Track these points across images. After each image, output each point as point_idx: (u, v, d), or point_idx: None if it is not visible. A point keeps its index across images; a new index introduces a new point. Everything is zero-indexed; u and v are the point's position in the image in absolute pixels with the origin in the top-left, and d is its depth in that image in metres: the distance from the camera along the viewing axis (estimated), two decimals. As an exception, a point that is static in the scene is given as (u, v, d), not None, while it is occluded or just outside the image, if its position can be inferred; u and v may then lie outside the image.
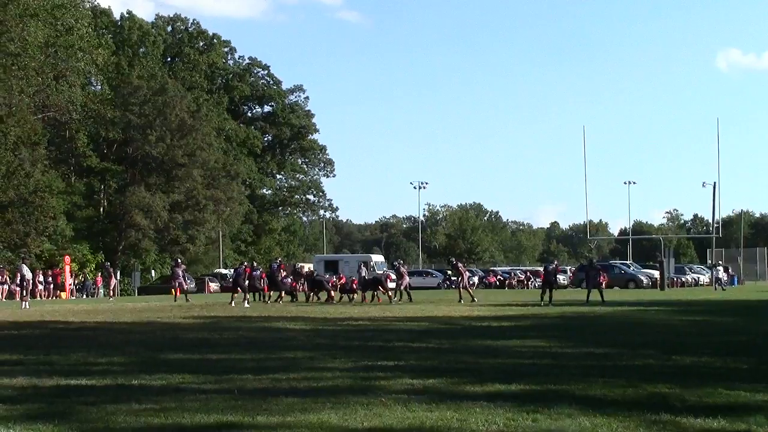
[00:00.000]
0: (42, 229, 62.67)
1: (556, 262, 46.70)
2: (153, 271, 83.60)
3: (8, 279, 59.18)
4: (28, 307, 37.80)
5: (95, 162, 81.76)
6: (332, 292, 42.67)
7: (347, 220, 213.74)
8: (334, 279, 48.23)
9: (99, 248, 79.56)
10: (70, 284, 65.61)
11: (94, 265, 74.58)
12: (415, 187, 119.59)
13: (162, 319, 26.71)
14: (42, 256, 67.92)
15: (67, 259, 66.43)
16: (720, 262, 73.91)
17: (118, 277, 75.47)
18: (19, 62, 63.11)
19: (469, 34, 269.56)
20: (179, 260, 49.63)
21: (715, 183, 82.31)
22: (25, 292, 41.69)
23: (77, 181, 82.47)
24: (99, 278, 70.92)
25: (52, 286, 63.04)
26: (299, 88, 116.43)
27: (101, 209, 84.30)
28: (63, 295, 62.61)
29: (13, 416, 9.10)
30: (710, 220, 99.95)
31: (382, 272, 44.88)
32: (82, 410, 9.43)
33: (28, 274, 43.85)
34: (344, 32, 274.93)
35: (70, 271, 66.49)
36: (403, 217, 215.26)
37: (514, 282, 79.93)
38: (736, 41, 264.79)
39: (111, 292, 62.46)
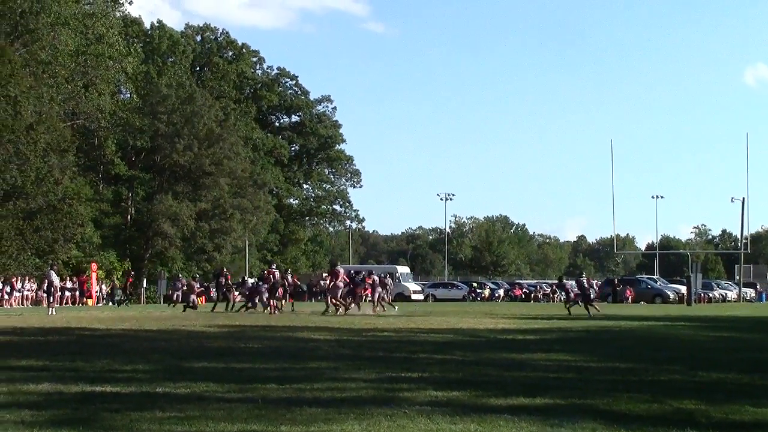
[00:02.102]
0: (70, 236, 62.84)
1: (585, 276, 46.60)
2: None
3: (35, 285, 59.58)
4: (54, 313, 37.97)
5: (123, 170, 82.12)
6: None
7: (373, 230, 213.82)
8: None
9: (126, 256, 79.87)
10: (97, 291, 65.84)
11: (120, 273, 74.85)
12: (441, 199, 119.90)
13: (187, 327, 26.77)
14: (69, 263, 68.20)
15: (94, 266, 66.69)
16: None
17: (144, 285, 75.87)
18: (49, 70, 63.56)
19: (496, 46, 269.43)
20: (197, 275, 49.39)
21: (743, 198, 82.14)
22: (52, 298, 41.88)
23: (105, 189, 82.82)
24: (126, 286, 71.26)
25: (77, 293, 63.32)
26: (327, 99, 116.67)
27: (128, 217, 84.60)
28: (89, 302, 62.86)
29: (38, 422, 9.14)
30: (738, 236, 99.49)
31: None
32: (107, 417, 9.46)
33: (57, 281, 44.08)
34: (371, 43, 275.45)
35: (97, 279, 66.73)
36: (430, 229, 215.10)
37: (539, 295, 79.76)
38: (765, 57, 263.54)
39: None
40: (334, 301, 39.71)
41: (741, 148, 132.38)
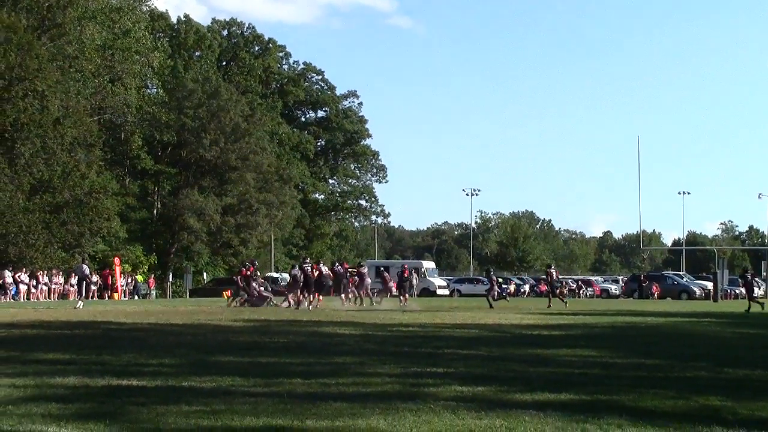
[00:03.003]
0: (96, 229, 63.15)
1: (553, 268, 47.36)
2: (205, 274, 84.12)
3: (62, 279, 59.85)
4: (81, 306, 38.12)
5: (149, 164, 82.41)
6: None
7: (399, 226, 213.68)
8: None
9: (152, 250, 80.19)
10: (122, 285, 66.07)
11: (146, 267, 75.16)
12: (467, 194, 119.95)
13: (212, 321, 26.83)
14: (96, 256, 68.51)
15: (117, 260, 66.87)
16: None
17: (171, 279, 76.15)
18: (76, 64, 63.89)
19: (522, 41, 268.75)
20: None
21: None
22: (85, 292, 42.16)
23: (131, 183, 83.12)
24: (152, 280, 71.57)
25: (102, 286, 63.60)
26: (353, 94, 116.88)
27: (155, 211, 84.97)
28: (115, 296, 63.10)
29: (64, 415, 9.18)
30: (765, 232, 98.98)
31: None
32: (133, 410, 9.50)
33: (88, 275, 44.39)
34: (397, 38, 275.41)
35: (121, 273, 66.97)
36: (455, 224, 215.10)
37: (565, 291, 79.53)
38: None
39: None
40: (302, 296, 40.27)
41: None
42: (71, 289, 59.76)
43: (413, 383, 11.91)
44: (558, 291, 45.24)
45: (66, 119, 59.41)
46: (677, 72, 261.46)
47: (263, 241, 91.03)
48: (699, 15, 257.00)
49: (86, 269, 43.00)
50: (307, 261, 42.10)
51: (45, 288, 57.46)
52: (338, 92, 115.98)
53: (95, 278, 62.10)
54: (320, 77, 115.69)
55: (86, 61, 64.35)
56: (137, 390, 11.10)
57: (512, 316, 31.63)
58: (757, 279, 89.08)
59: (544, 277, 51.78)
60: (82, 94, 64.27)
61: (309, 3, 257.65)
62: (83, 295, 42.13)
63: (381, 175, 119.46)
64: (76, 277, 45.35)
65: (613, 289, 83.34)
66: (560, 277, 46.87)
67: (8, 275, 53.56)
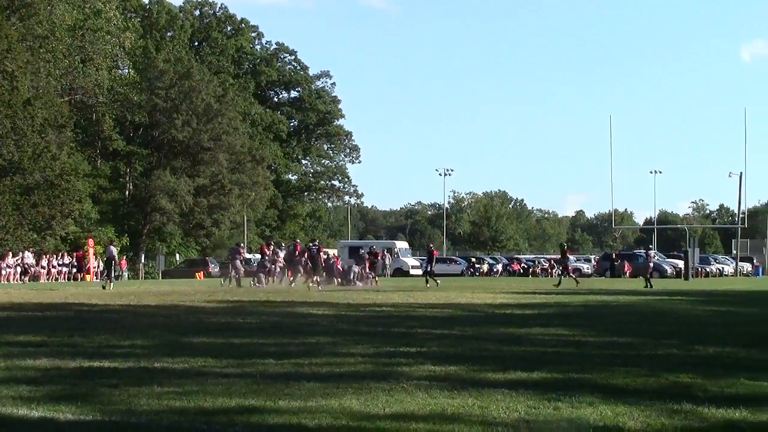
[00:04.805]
0: (68, 211, 62.84)
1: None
2: (177, 255, 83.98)
3: (34, 262, 59.60)
4: (112, 288, 38.67)
5: (121, 145, 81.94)
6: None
7: (372, 206, 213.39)
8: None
9: (124, 231, 79.87)
10: (94, 267, 65.87)
11: (119, 248, 74.92)
12: (440, 174, 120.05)
13: (185, 302, 26.81)
14: (67, 238, 68.22)
15: (91, 242, 66.65)
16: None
17: (143, 260, 75.98)
18: (46, 45, 63.40)
19: (495, 22, 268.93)
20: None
21: (741, 173, 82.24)
22: (114, 273, 42.59)
23: (103, 164, 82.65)
24: (124, 261, 71.32)
25: (75, 268, 63.39)
26: (326, 74, 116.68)
27: (126, 192, 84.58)
28: (87, 277, 62.90)
29: (35, 397, 9.15)
30: (736, 211, 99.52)
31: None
32: (105, 392, 9.47)
33: (116, 256, 44.89)
34: (371, 18, 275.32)
35: (94, 254, 66.73)
36: (428, 204, 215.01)
37: (538, 270, 79.85)
38: (760, 33, 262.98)
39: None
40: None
41: (738, 124, 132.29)
42: (42, 271, 59.55)
43: (386, 363, 11.93)
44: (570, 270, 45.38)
45: (36, 100, 59.04)
46: (649, 51, 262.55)
47: (236, 221, 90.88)
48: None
49: (114, 251, 43.45)
50: (316, 243, 43.07)
51: (10, 271, 57.10)
52: (311, 73, 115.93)
53: (66, 260, 62.00)
54: (293, 57, 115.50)
55: (57, 42, 63.88)
56: (109, 372, 11.08)
57: (485, 296, 31.72)
58: (727, 257, 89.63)
59: (559, 257, 51.54)
60: (53, 74, 63.84)
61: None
62: (112, 276, 42.63)
63: (354, 155, 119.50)
64: (105, 258, 45.91)
65: (586, 268, 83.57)
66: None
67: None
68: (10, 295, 32.96)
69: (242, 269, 44.91)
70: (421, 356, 12.65)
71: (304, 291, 36.42)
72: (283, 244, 45.81)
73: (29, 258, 59.00)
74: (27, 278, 57.43)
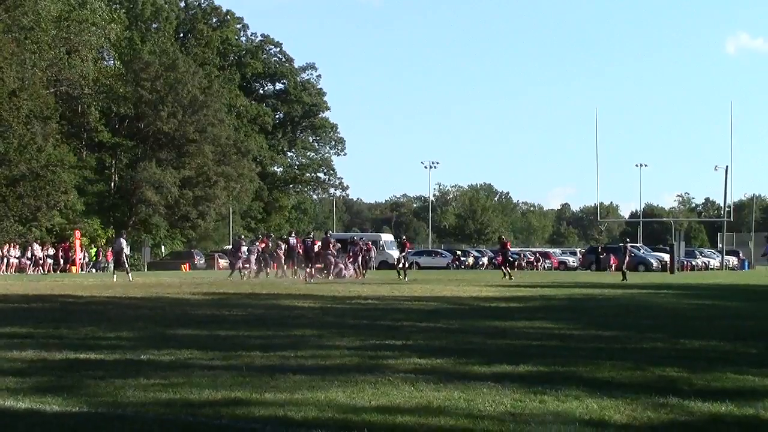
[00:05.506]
0: (53, 203, 62.77)
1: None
2: (163, 247, 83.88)
3: (19, 252, 59.41)
4: (131, 279, 39.60)
5: (107, 137, 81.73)
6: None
7: (358, 198, 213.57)
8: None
9: (109, 223, 79.72)
10: (80, 259, 65.74)
11: (104, 240, 74.69)
12: (426, 167, 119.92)
13: (171, 294, 26.79)
14: (53, 230, 68.06)
15: (78, 233, 66.53)
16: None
17: (128, 252, 75.88)
18: (32, 36, 63.21)
19: (481, 14, 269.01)
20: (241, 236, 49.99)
21: (727, 167, 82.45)
22: (126, 265, 42.72)
23: (89, 156, 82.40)
24: (109, 253, 71.15)
25: (61, 260, 63.23)
26: (311, 66, 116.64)
27: (112, 184, 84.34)
28: (73, 269, 62.77)
29: (22, 389, 9.14)
30: (722, 204, 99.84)
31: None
32: (91, 384, 9.46)
33: (126, 249, 45.04)
34: (356, 10, 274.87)
35: (80, 246, 66.60)
36: (414, 197, 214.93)
37: (523, 263, 79.92)
38: (745, 26, 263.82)
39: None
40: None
41: (724, 117, 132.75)
42: (27, 262, 59.38)
43: (372, 356, 11.94)
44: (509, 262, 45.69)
45: (22, 91, 58.89)
46: (634, 44, 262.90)
47: (221, 213, 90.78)
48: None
49: (124, 243, 43.63)
50: (311, 235, 43.54)
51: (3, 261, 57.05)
52: (296, 65, 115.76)
53: (51, 251, 61.83)
54: (278, 49, 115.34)
55: (42, 33, 63.69)
56: (95, 363, 11.07)
57: (471, 289, 31.76)
58: (713, 251, 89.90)
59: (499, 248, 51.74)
60: (38, 66, 63.65)
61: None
62: (123, 267, 42.93)
63: (339, 147, 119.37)
64: (113, 250, 45.99)
65: (571, 261, 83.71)
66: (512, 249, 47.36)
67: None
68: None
69: (253, 260, 45.80)
70: (407, 349, 12.66)
71: (317, 284, 36.41)
72: (291, 237, 46.08)
73: (15, 250, 58.84)
74: (12, 270, 57.25)
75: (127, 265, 43.20)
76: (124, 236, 46.61)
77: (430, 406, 8.33)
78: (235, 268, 46.06)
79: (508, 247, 49.10)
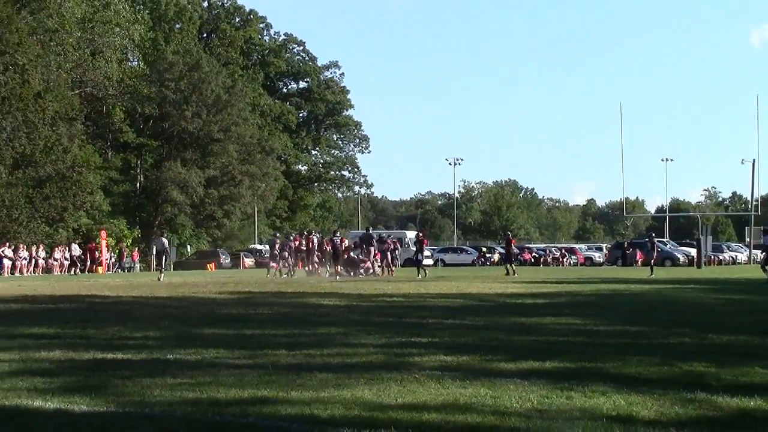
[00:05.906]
0: (79, 204, 63.06)
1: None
2: (189, 247, 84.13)
3: (45, 253, 59.64)
4: (162, 279, 39.39)
5: (131, 137, 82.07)
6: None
7: (382, 196, 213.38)
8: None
9: (135, 223, 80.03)
10: (107, 259, 66.03)
11: (130, 240, 74.97)
12: (450, 164, 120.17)
13: (197, 294, 26.85)
14: (79, 230, 68.36)
15: (104, 233, 66.82)
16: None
17: (154, 252, 76.14)
18: (56, 38, 63.50)
19: (504, 10, 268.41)
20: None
21: (754, 160, 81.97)
22: (165, 265, 43.36)
23: (114, 157, 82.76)
24: (135, 253, 71.42)
25: (88, 260, 63.48)
26: (334, 64, 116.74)
27: (137, 184, 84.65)
28: (100, 269, 63.02)
29: (50, 389, 9.18)
30: (749, 198, 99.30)
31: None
32: (118, 384, 9.50)
33: (169, 248, 45.46)
34: (380, 8, 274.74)
35: (107, 246, 66.88)
36: (438, 194, 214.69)
37: (549, 259, 79.78)
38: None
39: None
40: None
41: (750, 110, 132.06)
42: (54, 263, 59.63)
43: (398, 353, 11.93)
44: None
45: (47, 93, 59.18)
46: (660, 38, 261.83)
47: (247, 212, 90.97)
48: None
49: (166, 242, 44.27)
50: (337, 234, 43.58)
51: (25, 262, 57.21)
52: (319, 63, 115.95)
53: (77, 252, 62.06)
54: (301, 48, 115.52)
55: (66, 35, 63.99)
56: (122, 363, 11.11)
57: (496, 285, 31.71)
58: (740, 245, 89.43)
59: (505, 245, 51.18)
60: (63, 67, 63.94)
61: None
62: (162, 267, 43.34)
63: (363, 145, 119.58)
64: (155, 250, 46.20)
65: (597, 256, 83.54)
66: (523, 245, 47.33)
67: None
68: (23, 287, 33.02)
69: (290, 259, 45.90)
70: (433, 346, 12.65)
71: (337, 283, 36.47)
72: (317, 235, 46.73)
73: (42, 251, 59.09)
74: (39, 271, 57.49)
75: (163, 266, 43.58)
76: (165, 236, 46.98)
77: (456, 403, 8.32)
78: (274, 267, 46.07)
79: (513, 244, 48.97)
